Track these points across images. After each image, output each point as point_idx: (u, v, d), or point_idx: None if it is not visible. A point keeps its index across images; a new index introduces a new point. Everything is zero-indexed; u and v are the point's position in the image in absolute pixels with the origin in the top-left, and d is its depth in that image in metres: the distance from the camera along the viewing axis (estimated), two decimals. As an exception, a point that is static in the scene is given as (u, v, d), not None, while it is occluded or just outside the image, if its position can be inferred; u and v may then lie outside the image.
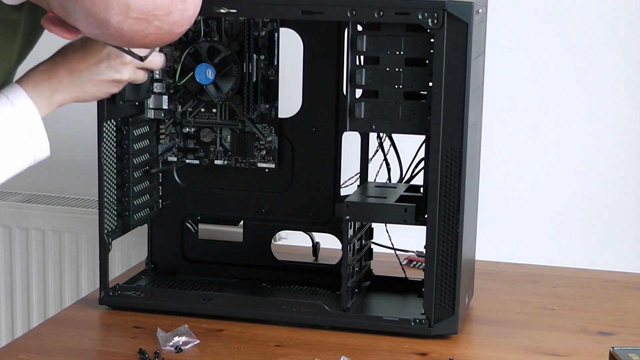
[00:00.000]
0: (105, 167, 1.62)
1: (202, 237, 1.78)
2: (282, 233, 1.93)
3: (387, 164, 1.68)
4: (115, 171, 1.65)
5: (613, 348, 1.36)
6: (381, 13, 1.47)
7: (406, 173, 1.67)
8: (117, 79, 1.46)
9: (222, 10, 1.52)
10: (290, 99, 1.73)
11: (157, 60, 1.50)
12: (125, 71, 1.46)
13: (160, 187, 1.76)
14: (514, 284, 1.83)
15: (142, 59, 1.41)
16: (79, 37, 1.39)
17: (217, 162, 1.73)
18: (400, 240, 1.74)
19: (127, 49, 1.37)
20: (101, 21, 1.23)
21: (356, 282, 1.64)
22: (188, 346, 1.50)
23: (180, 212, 1.77)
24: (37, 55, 1.46)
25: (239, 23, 1.65)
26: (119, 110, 1.63)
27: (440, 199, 1.50)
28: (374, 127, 1.55)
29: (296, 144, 1.71)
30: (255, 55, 1.66)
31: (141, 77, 1.51)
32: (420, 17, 1.46)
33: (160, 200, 1.76)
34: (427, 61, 1.50)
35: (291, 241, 1.95)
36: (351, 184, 1.73)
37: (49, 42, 1.44)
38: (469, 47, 1.46)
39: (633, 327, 1.63)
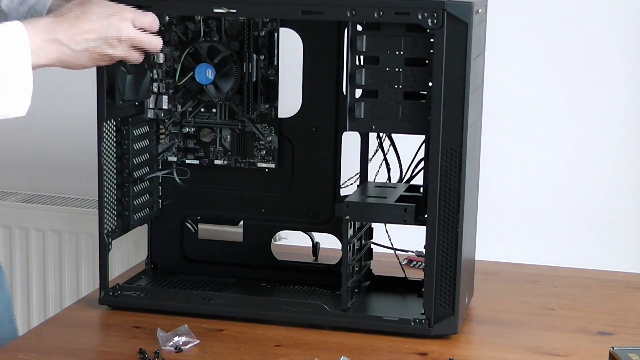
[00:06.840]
0: (105, 167, 1.62)
1: (202, 237, 1.77)
2: (282, 233, 1.93)
3: (387, 164, 1.68)
4: (115, 171, 1.65)
5: (613, 348, 1.36)
6: (381, 13, 1.47)
7: (406, 173, 1.66)
8: (109, 54, 1.45)
9: (222, 10, 1.52)
10: (290, 99, 1.73)
11: (154, 41, 1.49)
12: (120, 48, 1.45)
13: (160, 187, 1.76)
14: (514, 284, 1.83)
15: None
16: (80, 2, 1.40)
17: (217, 162, 1.73)
18: (400, 240, 1.74)
19: None
20: None
21: (356, 282, 1.64)
22: (188, 346, 1.50)
23: (180, 212, 1.77)
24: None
25: (238, 23, 1.65)
26: (119, 110, 1.63)
27: (440, 199, 1.50)
28: (374, 127, 1.55)
29: (296, 144, 1.71)
30: (255, 55, 1.66)
31: (135, 57, 1.49)
32: (420, 17, 1.46)
33: (160, 200, 1.76)
34: (427, 61, 1.50)
35: (291, 241, 1.95)
36: (351, 184, 1.72)
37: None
38: (469, 47, 1.46)
39: (633, 327, 1.63)
